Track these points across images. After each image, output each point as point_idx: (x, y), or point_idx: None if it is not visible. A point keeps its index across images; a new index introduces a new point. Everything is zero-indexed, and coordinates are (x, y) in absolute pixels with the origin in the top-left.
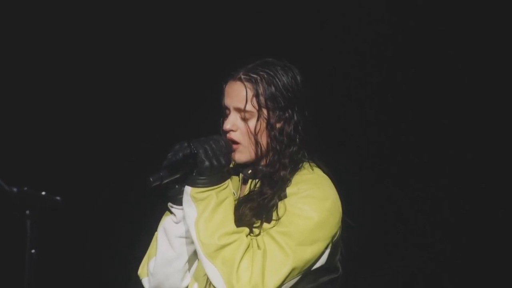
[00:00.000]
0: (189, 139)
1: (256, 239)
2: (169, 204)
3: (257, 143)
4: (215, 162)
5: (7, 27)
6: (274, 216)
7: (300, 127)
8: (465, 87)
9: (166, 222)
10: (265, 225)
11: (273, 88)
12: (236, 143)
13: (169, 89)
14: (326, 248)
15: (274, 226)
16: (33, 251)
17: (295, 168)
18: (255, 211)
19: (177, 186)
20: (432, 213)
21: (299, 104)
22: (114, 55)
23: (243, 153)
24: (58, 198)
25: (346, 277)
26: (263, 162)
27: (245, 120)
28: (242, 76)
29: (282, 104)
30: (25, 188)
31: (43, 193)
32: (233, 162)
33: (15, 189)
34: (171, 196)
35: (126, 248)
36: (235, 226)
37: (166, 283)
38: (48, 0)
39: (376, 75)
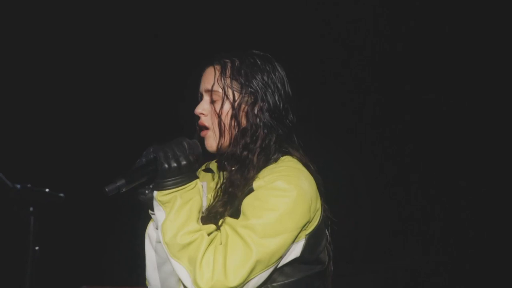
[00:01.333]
0: (153, 143)
1: (220, 234)
2: (149, 210)
3: (222, 124)
4: (174, 164)
5: (13, 27)
6: (241, 210)
7: (268, 113)
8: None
9: (149, 228)
10: (228, 219)
11: (241, 71)
12: (206, 128)
13: (173, 89)
14: (294, 239)
15: (238, 220)
16: (36, 248)
17: (266, 157)
18: (226, 205)
19: (147, 192)
20: (432, 212)
21: (270, 91)
22: (115, 55)
23: (211, 138)
24: (61, 194)
25: (342, 272)
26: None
27: (213, 103)
28: (215, 61)
29: (250, 87)
30: (29, 185)
31: (47, 189)
32: (215, 160)
33: (18, 186)
34: (146, 202)
35: (129, 245)
36: (198, 224)
37: (164, 286)
38: (48, 0)
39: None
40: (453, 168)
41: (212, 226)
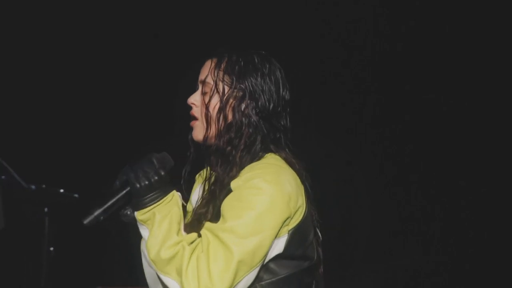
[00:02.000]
0: (127, 164)
1: (201, 242)
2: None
3: (208, 116)
4: (146, 182)
5: (12, 28)
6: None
7: (254, 112)
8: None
9: (142, 245)
10: (208, 224)
11: (236, 67)
12: (195, 118)
13: (172, 89)
14: (276, 235)
15: (218, 224)
16: (51, 248)
17: (250, 155)
18: (208, 205)
19: (129, 213)
20: (432, 213)
21: (260, 91)
22: (115, 55)
23: (198, 128)
24: (76, 195)
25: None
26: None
27: (204, 94)
28: (214, 54)
29: (240, 84)
30: (43, 186)
31: (61, 190)
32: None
33: (33, 187)
34: (131, 222)
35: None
36: (179, 236)
37: None
38: (48, 0)
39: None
40: (453, 168)
41: (193, 235)
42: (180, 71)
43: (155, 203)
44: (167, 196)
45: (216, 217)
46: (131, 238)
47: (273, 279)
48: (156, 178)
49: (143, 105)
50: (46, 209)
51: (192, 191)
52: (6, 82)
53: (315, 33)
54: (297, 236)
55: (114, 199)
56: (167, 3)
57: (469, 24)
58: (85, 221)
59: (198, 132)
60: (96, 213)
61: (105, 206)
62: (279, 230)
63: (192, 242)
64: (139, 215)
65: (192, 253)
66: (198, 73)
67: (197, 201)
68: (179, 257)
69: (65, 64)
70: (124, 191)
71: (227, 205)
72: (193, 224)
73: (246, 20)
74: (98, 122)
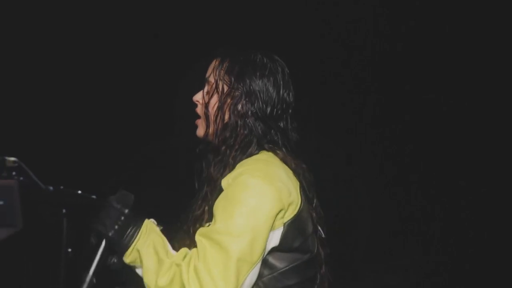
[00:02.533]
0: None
1: (195, 251)
2: None
3: (208, 114)
4: (115, 228)
5: (13, 28)
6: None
7: (250, 113)
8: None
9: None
10: (202, 230)
11: (236, 67)
12: (198, 116)
13: (172, 89)
14: (270, 228)
15: (210, 226)
16: (69, 249)
17: (246, 156)
18: (203, 206)
19: (115, 261)
20: (432, 212)
21: (259, 93)
22: (115, 55)
23: (200, 127)
24: (93, 196)
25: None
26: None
27: (208, 93)
28: (220, 54)
29: (239, 84)
30: (61, 187)
31: (79, 191)
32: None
33: (51, 188)
34: (120, 268)
35: None
36: (168, 258)
37: None
38: (48, 0)
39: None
40: (453, 168)
41: (182, 251)
42: (180, 71)
43: (133, 240)
44: (141, 229)
45: (210, 219)
46: None
47: (274, 274)
48: (123, 219)
49: (143, 105)
50: (64, 211)
51: None
52: (19, 87)
53: (315, 33)
54: (293, 229)
55: (97, 258)
56: (167, 3)
57: (469, 24)
58: None
59: (200, 129)
60: (88, 279)
61: (93, 268)
62: (273, 223)
63: (184, 257)
64: (126, 259)
65: (188, 267)
66: (198, 73)
67: (193, 203)
68: (177, 277)
69: (66, 65)
70: (102, 245)
71: (218, 206)
72: (191, 228)
73: (246, 20)
74: (98, 122)
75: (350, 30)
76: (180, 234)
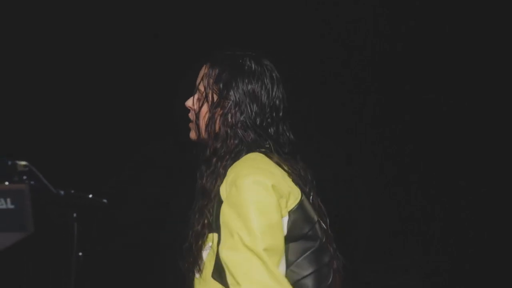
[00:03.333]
0: None
1: (230, 271)
2: None
3: (199, 122)
4: None
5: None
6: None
7: (240, 123)
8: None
9: None
10: (223, 248)
11: (224, 75)
12: (191, 121)
13: (172, 89)
14: (281, 216)
15: (228, 240)
16: (80, 253)
17: (232, 162)
18: (201, 220)
19: None
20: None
21: (248, 101)
22: (115, 55)
23: (192, 131)
24: (104, 200)
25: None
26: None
27: (198, 100)
28: (209, 59)
29: (228, 93)
30: (72, 191)
31: (90, 195)
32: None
33: (62, 192)
34: None
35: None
36: None
37: None
38: (48, 0)
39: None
40: (453, 168)
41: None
42: (180, 71)
43: None
44: None
45: (212, 231)
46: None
47: (290, 268)
48: None
49: (143, 105)
50: (74, 215)
51: None
52: (19, 87)
53: (315, 33)
54: (299, 216)
55: None
56: (167, 3)
57: (469, 24)
58: None
59: (193, 134)
60: None
61: None
62: (275, 214)
63: None
64: None
65: None
66: (197, 73)
67: (190, 217)
68: None
69: (66, 65)
70: None
71: (227, 217)
72: (193, 245)
73: (246, 20)
74: (98, 122)
75: (350, 30)
76: (184, 252)
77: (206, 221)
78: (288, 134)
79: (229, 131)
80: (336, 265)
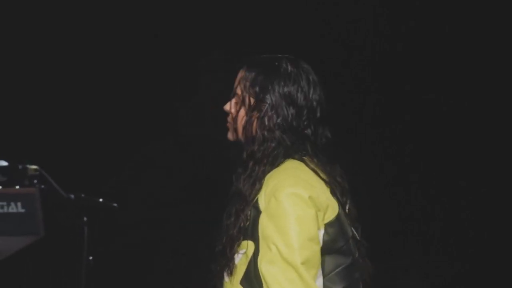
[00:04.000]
0: None
1: (268, 283)
2: None
3: (237, 126)
4: None
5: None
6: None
7: (277, 126)
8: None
9: None
10: (263, 261)
11: (260, 78)
12: (229, 123)
13: (172, 89)
14: (318, 230)
15: (266, 252)
16: (90, 257)
17: (272, 167)
18: (237, 223)
19: None
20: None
21: (284, 103)
22: (115, 55)
23: (229, 133)
24: (115, 204)
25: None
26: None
27: (236, 103)
28: (246, 63)
29: (265, 96)
30: (82, 195)
31: (100, 199)
32: None
33: (72, 196)
34: None
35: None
36: None
37: None
38: (48, 0)
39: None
40: (453, 168)
41: None
42: (180, 71)
43: None
44: None
45: (245, 235)
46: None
47: (323, 280)
48: None
49: (143, 105)
50: (85, 218)
51: None
52: (18, 86)
53: (315, 33)
54: (335, 230)
55: None
56: (167, 3)
57: (469, 24)
58: None
59: (229, 134)
60: None
61: None
62: (312, 227)
63: None
64: None
65: None
66: (197, 73)
67: (225, 220)
68: None
69: (66, 65)
70: None
71: (266, 229)
72: (228, 249)
73: (246, 20)
74: (98, 122)
75: (350, 30)
76: (216, 256)
77: (242, 224)
78: (326, 136)
79: (266, 134)
80: (365, 277)
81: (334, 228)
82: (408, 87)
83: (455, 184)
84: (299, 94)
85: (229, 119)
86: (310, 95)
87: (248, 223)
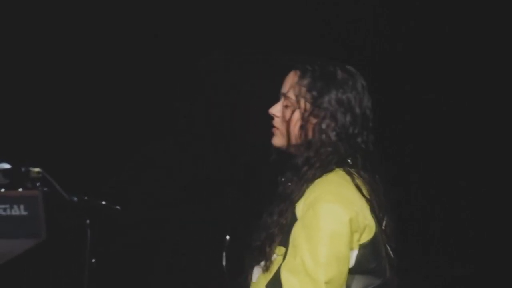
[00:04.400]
0: None
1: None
2: None
3: (289, 131)
4: None
5: (13, 28)
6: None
7: (334, 132)
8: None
9: None
10: (287, 265)
11: (317, 84)
12: (276, 127)
13: (172, 89)
14: (350, 251)
15: (292, 259)
16: (93, 260)
17: (322, 173)
18: (279, 227)
19: None
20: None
21: (341, 110)
22: (114, 55)
23: (277, 137)
24: (117, 207)
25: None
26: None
27: (286, 107)
28: (298, 66)
29: (322, 102)
30: (85, 198)
31: (103, 202)
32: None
33: (75, 199)
34: None
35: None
36: None
37: None
38: (48, 0)
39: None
40: (453, 168)
41: None
42: (180, 71)
43: None
44: None
45: (284, 240)
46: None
47: None
48: None
49: (143, 105)
50: (88, 221)
51: None
52: (17, 86)
53: (315, 33)
54: (369, 251)
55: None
56: (167, 3)
57: (469, 24)
58: None
59: (278, 140)
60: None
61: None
62: (351, 245)
63: None
64: None
65: None
66: (197, 73)
67: (267, 218)
68: None
69: (66, 65)
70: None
71: (298, 236)
72: (267, 246)
73: (246, 20)
74: (98, 122)
75: (350, 30)
76: (253, 251)
77: (284, 222)
78: (373, 145)
79: (324, 138)
80: None
81: (368, 249)
82: (408, 87)
83: (455, 184)
84: (355, 101)
85: (277, 123)
86: (364, 103)
87: (287, 222)
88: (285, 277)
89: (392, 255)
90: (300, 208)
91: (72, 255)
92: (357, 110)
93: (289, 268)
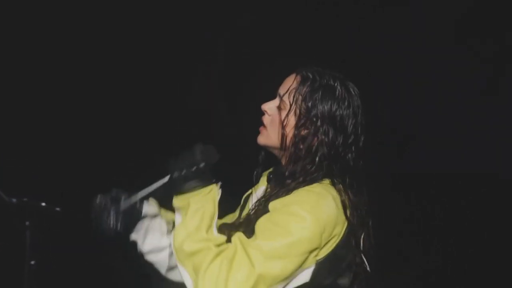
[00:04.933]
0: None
1: (229, 248)
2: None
3: (278, 134)
4: (182, 171)
5: (13, 28)
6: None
7: (325, 147)
8: None
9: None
10: (241, 236)
11: (315, 95)
12: (263, 125)
13: (172, 89)
14: (301, 264)
15: (250, 239)
16: (32, 262)
17: (306, 185)
18: (257, 218)
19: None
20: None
21: (333, 125)
22: (115, 55)
23: (264, 136)
24: (58, 208)
25: None
26: (282, 162)
27: (279, 109)
28: (301, 71)
29: (316, 114)
30: (25, 199)
31: (43, 204)
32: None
33: (14, 200)
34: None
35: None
36: (207, 234)
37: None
38: (48, 0)
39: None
40: (453, 168)
41: (222, 238)
42: (181, 71)
43: (191, 193)
44: (204, 189)
45: (248, 231)
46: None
47: None
48: (193, 169)
49: (143, 105)
50: (27, 223)
51: (257, 187)
52: (16, 86)
53: (315, 33)
54: (327, 266)
55: (152, 187)
56: (167, 3)
57: None
58: (122, 208)
59: (263, 139)
60: (133, 201)
61: (143, 193)
62: (305, 259)
63: (219, 245)
64: (175, 201)
65: (216, 257)
66: (197, 74)
67: (251, 209)
68: (201, 255)
69: (66, 65)
70: (164, 180)
71: (262, 224)
72: (237, 229)
73: (246, 20)
74: (98, 122)
75: (350, 30)
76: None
77: (253, 216)
78: (361, 164)
79: (311, 156)
80: None
81: (326, 264)
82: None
83: (455, 184)
84: (350, 121)
85: (266, 121)
86: (358, 121)
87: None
88: (234, 241)
89: (366, 265)
90: (273, 205)
91: (11, 257)
92: (350, 129)
93: (241, 240)
